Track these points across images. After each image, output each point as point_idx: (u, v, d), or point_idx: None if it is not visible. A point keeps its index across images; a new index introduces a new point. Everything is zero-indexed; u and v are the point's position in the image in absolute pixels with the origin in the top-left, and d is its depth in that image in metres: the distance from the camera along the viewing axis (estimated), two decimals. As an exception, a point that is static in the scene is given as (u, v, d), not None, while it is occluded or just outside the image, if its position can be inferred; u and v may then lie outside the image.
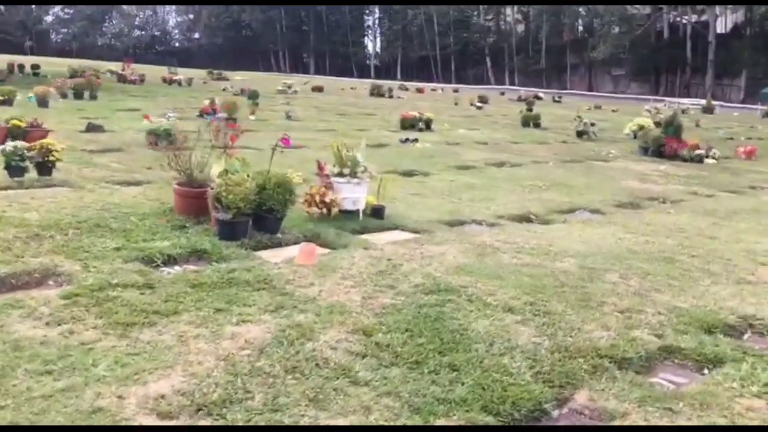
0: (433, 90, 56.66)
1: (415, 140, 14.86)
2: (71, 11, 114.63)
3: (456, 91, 56.17)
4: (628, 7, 74.05)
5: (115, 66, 37.91)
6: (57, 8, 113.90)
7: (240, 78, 49.69)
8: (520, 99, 46.28)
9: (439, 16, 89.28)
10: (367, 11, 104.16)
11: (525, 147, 16.05)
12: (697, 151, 15.64)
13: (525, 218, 8.19)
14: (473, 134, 18.43)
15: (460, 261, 5.71)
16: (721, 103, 53.29)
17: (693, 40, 71.43)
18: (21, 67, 31.77)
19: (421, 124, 18.24)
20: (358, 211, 6.76)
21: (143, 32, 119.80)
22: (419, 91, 52.07)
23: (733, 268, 6.34)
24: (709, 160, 15.48)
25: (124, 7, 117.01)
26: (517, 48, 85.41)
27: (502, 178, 10.83)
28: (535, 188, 10.18)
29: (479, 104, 33.06)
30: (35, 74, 30.91)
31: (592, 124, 19.45)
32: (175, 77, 33.88)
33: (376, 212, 6.98)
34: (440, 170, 11.26)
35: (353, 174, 6.59)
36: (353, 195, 6.64)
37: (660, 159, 15.60)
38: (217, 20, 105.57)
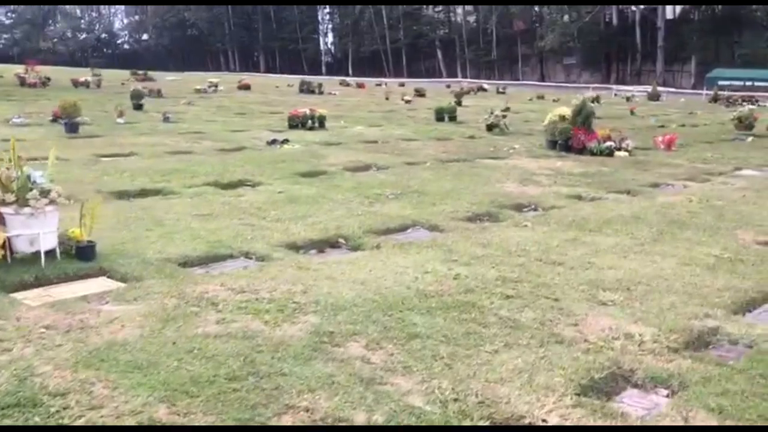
0: (378, 85, 54.76)
1: (285, 141, 12.98)
2: (13, 16, 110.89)
3: (402, 85, 54.36)
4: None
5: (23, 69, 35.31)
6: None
7: (171, 78, 47.35)
8: (461, 91, 44.78)
9: (388, 9, 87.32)
10: (317, 7, 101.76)
11: (416, 145, 14.23)
12: (607, 143, 13.96)
13: (329, 243, 6.36)
14: (370, 131, 16.58)
15: (119, 336, 3.82)
16: (669, 89, 52.33)
17: (642, 27, 70.55)
18: None
19: (310, 122, 16.35)
20: (41, 253, 4.82)
21: (89, 35, 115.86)
22: (360, 86, 50.22)
23: (554, 315, 4.57)
24: (621, 153, 13.82)
25: (67, 8, 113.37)
26: (468, 40, 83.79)
27: (347, 188, 8.97)
28: (379, 199, 8.35)
29: (409, 98, 31.25)
30: None
31: (504, 117, 17.73)
32: (81, 80, 31.49)
33: (81, 252, 5.06)
34: (278, 179, 9.37)
35: (23, 202, 4.66)
36: (28, 231, 4.71)
37: (567, 153, 13.91)
38: (162, 20, 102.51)
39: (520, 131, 17.94)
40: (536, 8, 79.17)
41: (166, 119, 16.91)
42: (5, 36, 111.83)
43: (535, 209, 8.39)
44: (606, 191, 9.62)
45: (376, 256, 5.84)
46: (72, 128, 13.22)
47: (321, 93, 36.78)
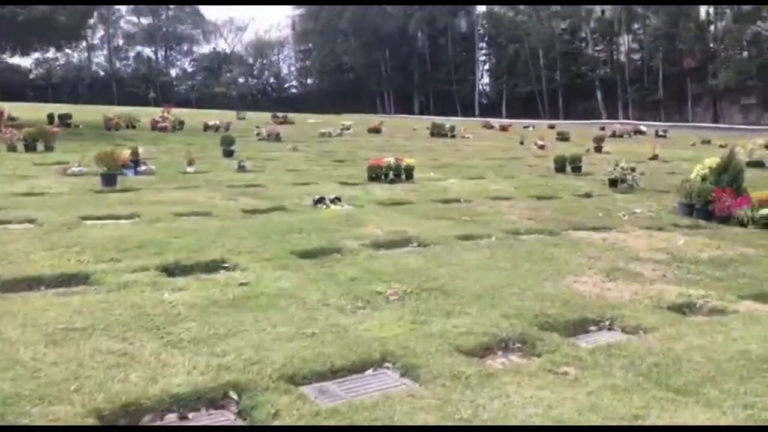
0: (525, 127, 51.38)
1: (336, 200, 10.71)
2: (194, 64, 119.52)
3: (552, 127, 50.55)
4: (759, 28, 65.61)
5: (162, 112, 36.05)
6: (181, 62, 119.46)
7: (312, 121, 47.11)
8: (613, 135, 40.78)
9: (545, 49, 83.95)
10: (474, 48, 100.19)
11: (504, 206, 11.36)
12: (765, 211, 10.38)
13: (211, 401, 3.91)
14: (462, 186, 13.91)
15: None
16: None
17: (839, 61, 61.96)
18: (50, 117, 30.18)
19: (392, 174, 14.02)
20: None
21: (257, 80, 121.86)
22: (503, 129, 47.24)
23: None
24: (786, 225, 10.19)
25: (243, 56, 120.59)
26: (631, 79, 78.14)
27: (343, 279, 6.44)
28: (372, 302, 5.75)
29: (542, 143, 28.05)
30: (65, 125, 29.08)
31: (632, 170, 14.34)
32: (211, 123, 31.38)
33: None
34: (266, 260, 7.01)
35: None
36: None
37: (706, 222, 10.52)
38: (322, 65, 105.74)
39: (655, 187, 14.51)
40: (710, 44, 72.26)
41: (241, 168, 15.31)
42: (188, 82, 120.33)
43: (610, 328, 5.42)
44: (738, 295, 6.36)
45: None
46: (108, 181, 11.78)
47: (453, 137, 34.44)
